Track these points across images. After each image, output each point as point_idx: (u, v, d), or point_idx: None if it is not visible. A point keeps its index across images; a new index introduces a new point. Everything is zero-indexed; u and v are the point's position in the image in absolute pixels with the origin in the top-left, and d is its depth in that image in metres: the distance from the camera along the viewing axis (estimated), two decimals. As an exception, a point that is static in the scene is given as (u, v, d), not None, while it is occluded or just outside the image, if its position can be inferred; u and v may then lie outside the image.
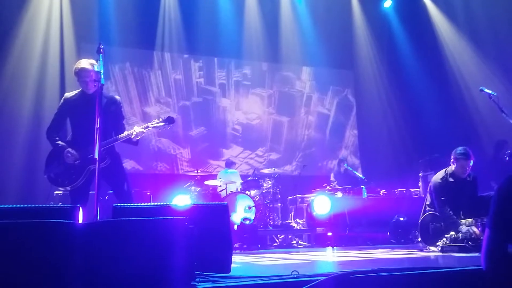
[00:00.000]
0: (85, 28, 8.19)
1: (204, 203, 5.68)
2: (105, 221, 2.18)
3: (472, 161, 4.74)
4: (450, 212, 4.64)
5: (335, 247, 6.16)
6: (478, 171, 4.95)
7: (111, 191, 4.37)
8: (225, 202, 2.97)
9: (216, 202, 5.15)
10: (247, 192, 7.10)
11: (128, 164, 8.22)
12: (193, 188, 7.11)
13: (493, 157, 7.12)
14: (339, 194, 7.33)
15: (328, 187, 7.63)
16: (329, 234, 6.64)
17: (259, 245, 6.25)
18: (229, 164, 8.14)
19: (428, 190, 5.06)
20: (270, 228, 7.09)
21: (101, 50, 3.34)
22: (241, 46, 9.44)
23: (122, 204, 2.70)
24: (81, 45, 8.15)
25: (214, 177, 7.82)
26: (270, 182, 7.57)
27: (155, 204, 2.91)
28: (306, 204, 7.33)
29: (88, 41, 7.96)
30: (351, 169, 8.22)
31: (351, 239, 6.54)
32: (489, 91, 4.82)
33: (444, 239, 4.45)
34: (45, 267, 1.87)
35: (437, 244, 4.50)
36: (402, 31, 10.14)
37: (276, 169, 7.90)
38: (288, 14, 9.83)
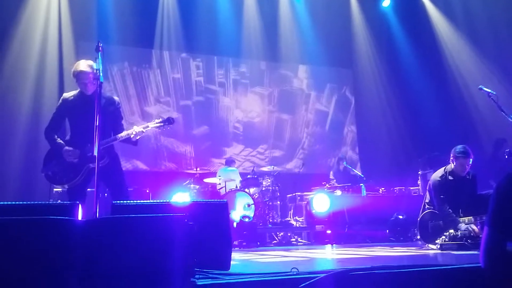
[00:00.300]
0: (84, 27, 8.17)
1: (204, 200, 5.68)
2: (104, 218, 2.18)
3: (471, 160, 4.75)
4: (449, 210, 4.64)
5: (334, 245, 6.16)
6: (477, 169, 4.96)
7: (108, 190, 4.36)
8: (225, 200, 2.97)
9: (216, 200, 5.15)
10: (246, 190, 7.10)
11: (132, 164, 8.26)
12: (192, 185, 7.12)
13: (492, 156, 7.13)
14: (338, 192, 7.34)
15: (327, 185, 7.63)
16: (328, 232, 6.65)
17: (258, 243, 6.26)
18: (229, 162, 8.14)
19: (427, 188, 5.07)
20: (270, 225, 7.10)
21: (100, 49, 3.33)
22: (240, 45, 9.43)
23: (121, 201, 2.69)
24: (80, 43, 8.13)
25: (213, 174, 7.82)
26: (269, 180, 7.57)
27: (155, 201, 2.91)
28: (305, 202, 7.34)
29: (87, 39, 7.94)
30: (350, 167, 8.23)
31: (350, 236, 6.55)
32: (488, 90, 4.82)
33: (443, 237, 4.46)
34: (45, 264, 1.87)
35: (436, 242, 4.51)
36: (400, 30, 10.13)
37: (275, 167, 7.90)
38: (287, 12, 9.82)
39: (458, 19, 9.27)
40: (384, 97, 10.24)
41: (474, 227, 4.45)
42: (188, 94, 9.15)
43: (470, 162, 4.75)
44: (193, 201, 2.97)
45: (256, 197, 7.20)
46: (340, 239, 6.47)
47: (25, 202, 2.42)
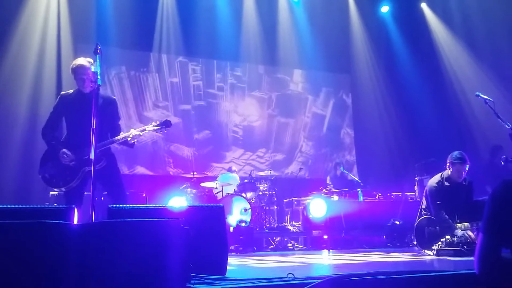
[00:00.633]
0: (83, 29, 8.17)
1: (200, 205, 5.67)
2: (100, 222, 2.18)
3: (467, 166, 4.77)
4: (446, 216, 4.65)
5: (331, 250, 6.16)
6: (473, 175, 4.98)
7: (106, 192, 4.34)
8: (221, 204, 2.96)
9: (212, 204, 5.14)
10: (243, 194, 7.09)
11: (133, 168, 8.27)
12: (189, 190, 7.10)
13: (488, 162, 7.16)
14: (335, 197, 7.34)
15: (324, 190, 7.63)
16: (325, 237, 6.64)
17: (255, 248, 6.24)
18: (231, 170, 8.14)
19: (424, 194, 5.07)
20: (266, 230, 7.09)
21: (98, 51, 3.33)
22: (238, 49, 9.45)
23: (117, 205, 2.69)
24: (78, 45, 8.12)
25: (210, 179, 7.81)
26: (266, 185, 7.57)
27: (151, 205, 2.90)
28: (302, 207, 7.33)
29: (85, 41, 7.93)
30: (347, 173, 8.23)
31: (347, 242, 6.55)
32: (485, 97, 4.84)
33: (440, 243, 4.46)
34: (40, 268, 1.86)
35: (433, 247, 4.51)
36: (399, 36, 10.18)
37: (272, 172, 7.90)
38: (285, 17, 9.86)
39: (456, 26, 9.32)
40: (382, 102, 10.27)
41: (470, 233, 4.46)
42: (187, 98, 9.14)
43: (467, 168, 4.77)
44: (190, 206, 2.97)
45: (253, 201, 7.19)
46: (337, 245, 6.47)
47: (20, 206, 2.40)
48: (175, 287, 1.97)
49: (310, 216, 6.93)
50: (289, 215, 7.78)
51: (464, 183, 4.85)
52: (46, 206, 4.91)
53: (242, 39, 9.45)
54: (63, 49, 8.06)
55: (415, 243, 5.14)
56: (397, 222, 6.48)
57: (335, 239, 6.55)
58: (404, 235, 6.39)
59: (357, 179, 8.08)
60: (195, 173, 7.46)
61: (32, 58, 7.72)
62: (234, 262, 4.11)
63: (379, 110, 10.25)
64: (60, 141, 3.91)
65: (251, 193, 7.35)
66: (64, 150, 3.80)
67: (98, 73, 3.31)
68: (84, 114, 3.54)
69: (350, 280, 2.19)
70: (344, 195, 7.42)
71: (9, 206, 2.38)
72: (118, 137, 3.88)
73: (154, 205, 2.84)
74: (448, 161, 4.85)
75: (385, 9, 10.27)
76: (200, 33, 9.02)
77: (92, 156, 3.10)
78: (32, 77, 7.66)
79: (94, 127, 3.14)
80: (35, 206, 2.51)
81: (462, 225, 4.53)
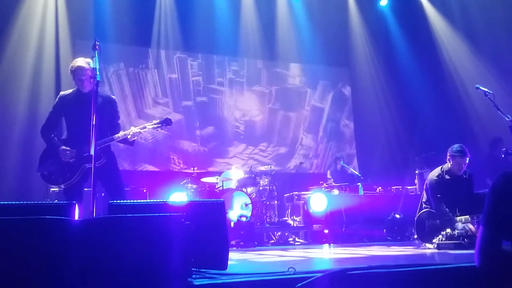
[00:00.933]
0: (81, 25, 8.13)
1: (201, 200, 5.68)
2: (101, 217, 2.18)
3: (468, 159, 4.77)
4: (446, 209, 4.66)
5: (331, 244, 6.17)
6: (474, 168, 4.98)
7: (105, 190, 4.35)
8: (222, 199, 2.96)
9: (213, 199, 5.15)
10: (243, 189, 7.09)
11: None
12: (189, 185, 7.10)
13: (488, 155, 7.17)
14: (336, 192, 7.34)
15: (324, 185, 7.64)
16: (326, 231, 6.65)
17: (255, 242, 6.26)
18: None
19: (424, 187, 5.08)
20: (267, 225, 7.10)
21: (97, 47, 3.32)
22: (237, 44, 9.41)
23: (118, 201, 2.69)
24: (77, 41, 8.10)
25: (210, 174, 7.81)
26: (266, 180, 7.57)
27: (151, 201, 2.91)
28: (303, 202, 7.34)
29: (84, 38, 7.90)
30: (347, 167, 8.23)
31: (348, 236, 6.56)
32: (485, 89, 4.83)
33: (440, 236, 4.47)
34: (41, 264, 1.86)
35: (433, 241, 4.52)
36: (398, 29, 10.14)
37: (272, 166, 7.90)
38: (284, 11, 9.81)
39: (455, 18, 9.29)
40: (382, 96, 10.25)
41: (470, 226, 4.46)
42: (186, 94, 9.12)
43: (467, 161, 4.77)
44: (190, 201, 2.97)
45: (253, 196, 7.20)
46: (338, 239, 6.48)
47: (21, 202, 2.41)
48: (176, 281, 1.98)
49: (311, 211, 6.94)
50: (289, 210, 7.79)
51: (464, 176, 4.86)
52: (47, 202, 4.92)
53: (240, 33, 9.42)
54: (61, 45, 8.03)
55: (415, 236, 5.15)
56: (398, 216, 6.49)
57: (336, 233, 6.56)
58: (404, 229, 6.40)
59: (357, 173, 8.08)
60: (195, 168, 7.46)
61: (30, 55, 7.69)
62: (235, 257, 4.12)
63: (379, 103, 10.23)
64: (60, 139, 3.92)
65: (252, 188, 7.35)
66: (64, 147, 3.81)
67: (97, 69, 3.30)
68: (84, 113, 3.55)
69: (351, 274, 2.20)
70: (345, 189, 7.43)
71: (10, 202, 2.39)
72: (118, 135, 3.89)
73: (154, 200, 2.84)
74: (448, 154, 4.85)
75: (384, 2, 10.22)
76: (199, 28, 8.98)
77: (92, 152, 3.09)
78: (31, 74, 7.63)
79: (94, 123, 3.14)
80: (36, 202, 2.52)
81: (463, 218, 4.54)
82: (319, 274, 2.13)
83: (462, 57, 9.09)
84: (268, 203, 7.46)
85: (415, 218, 4.94)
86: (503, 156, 5.20)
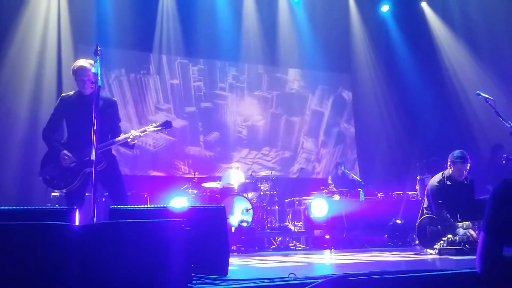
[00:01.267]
0: (83, 30, 8.18)
1: (201, 205, 5.67)
2: (101, 223, 2.18)
3: (469, 165, 4.76)
4: (447, 215, 4.64)
5: (332, 250, 6.15)
6: (475, 174, 4.97)
7: (107, 194, 4.34)
8: (222, 205, 2.96)
9: (213, 205, 5.14)
10: (244, 194, 7.09)
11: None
12: (190, 190, 7.10)
13: (489, 161, 7.15)
14: (337, 197, 7.34)
15: (325, 190, 7.63)
16: (327, 236, 6.64)
17: (256, 248, 6.24)
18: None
19: (425, 193, 5.07)
20: (268, 230, 7.08)
21: (99, 52, 3.32)
22: (239, 49, 9.45)
23: (118, 206, 2.69)
24: (79, 46, 8.14)
25: (212, 179, 7.81)
26: (267, 185, 7.56)
27: (152, 206, 2.90)
28: (304, 207, 7.33)
29: (86, 42, 7.95)
30: (348, 172, 8.23)
31: (349, 241, 6.54)
32: (486, 95, 4.84)
33: (442, 242, 4.46)
34: (42, 269, 1.86)
35: (435, 247, 4.51)
36: (399, 35, 10.18)
37: (273, 172, 7.90)
38: (286, 17, 9.86)
39: (456, 24, 9.32)
40: (383, 102, 10.26)
41: (472, 232, 4.45)
42: (188, 100, 9.13)
43: (468, 167, 4.76)
44: (191, 206, 2.97)
45: (254, 201, 7.19)
46: (339, 244, 6.47)
47: (21, 207, 2.41)
48: (177, 287, 1.97)
49: (312, 216, 6.92)
50: (290, 215, 7.78)
51: (465, 182, 4.85)
52: (48, 207, 4.91)
53: (242, 39, 9.45)
54: (64, 50, 8.07)
55: (417, 242, 5.14)
56: (399, 222, 6.48)
57: (337, 239, 6.55)
58: (405, 235, 6.39)
59: (358, 179, 8.08)
60: (196, 173, 7.45)
61: (32, 59, 7.73)
62: (235, 262, 4.11)
63: (380, 109, 10.25)
64: (60, 143, 3.91)
65: (252, 193, 7.35)
66: (65, 151, 3.80)
67: (99, 74, 3.31)
68: (85, 115, 3.54)
69: (352, 280, 2.19)
70: (346, 195, 7.42)
71: (10, 207, 2.38)
72: (119, 138, 3.88)
73: (155, 205, 2.84)
74: (449, 160, 4.84)
75: (385, 8, 10.27)
76: (200, 34, 9.02)
77: (93, 157, 3.09)
78: (33, 78, 7.67)
79: (95, 128, 3.14)
80: (37, 207, 2.51)
81: (464, 224, 4.53)
82: (320, 280, 2.12)
83: (463, 63, 9.11)
84: (269, 208, 7.45)
85: (416, 224, 4.92)
86: (504, 162, 5.20)
